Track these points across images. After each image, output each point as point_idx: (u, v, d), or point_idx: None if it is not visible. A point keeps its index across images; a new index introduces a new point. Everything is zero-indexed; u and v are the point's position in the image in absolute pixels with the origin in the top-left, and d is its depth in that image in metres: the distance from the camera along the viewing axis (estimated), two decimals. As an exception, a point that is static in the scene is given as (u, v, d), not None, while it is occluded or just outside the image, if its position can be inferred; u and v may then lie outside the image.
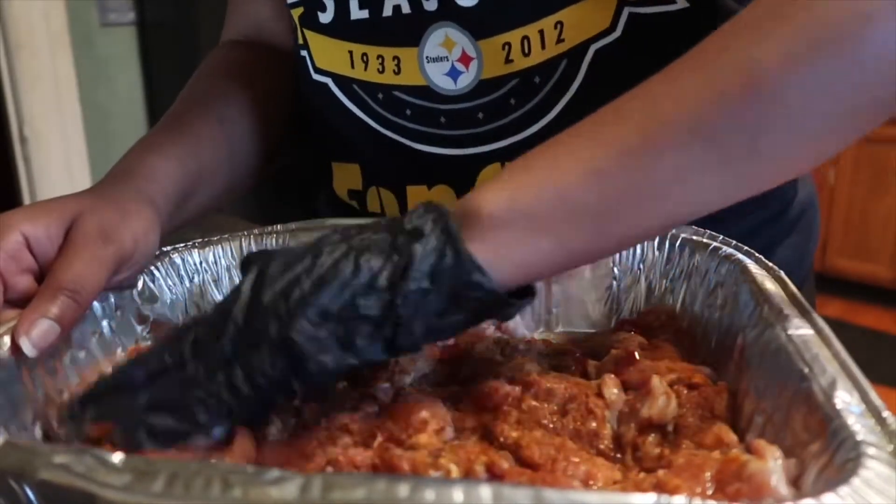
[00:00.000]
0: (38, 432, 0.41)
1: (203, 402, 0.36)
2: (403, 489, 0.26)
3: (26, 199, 2.26)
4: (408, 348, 0.37)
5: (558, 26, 0.53)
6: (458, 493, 0.25)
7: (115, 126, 2.46)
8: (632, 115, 0.37)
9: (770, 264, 0.47)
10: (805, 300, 0.42)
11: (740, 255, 0.48)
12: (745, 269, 0.46)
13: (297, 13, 0.61)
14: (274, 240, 0.59)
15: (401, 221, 0.37)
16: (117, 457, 0.29)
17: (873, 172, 2.66)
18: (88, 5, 2.36)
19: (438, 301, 0.36)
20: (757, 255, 0.48)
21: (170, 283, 0.54)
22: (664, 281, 0.53)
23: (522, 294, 0.39)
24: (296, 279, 0.36)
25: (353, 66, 0.60)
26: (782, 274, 0.45)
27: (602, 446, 0.39)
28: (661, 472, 0.35)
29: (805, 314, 0.40)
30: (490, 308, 0.37)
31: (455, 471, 0.35)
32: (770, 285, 0.44)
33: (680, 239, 0.53)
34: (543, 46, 0.53)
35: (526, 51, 0.54)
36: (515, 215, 0.37)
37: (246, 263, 0.38)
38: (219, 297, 0.57)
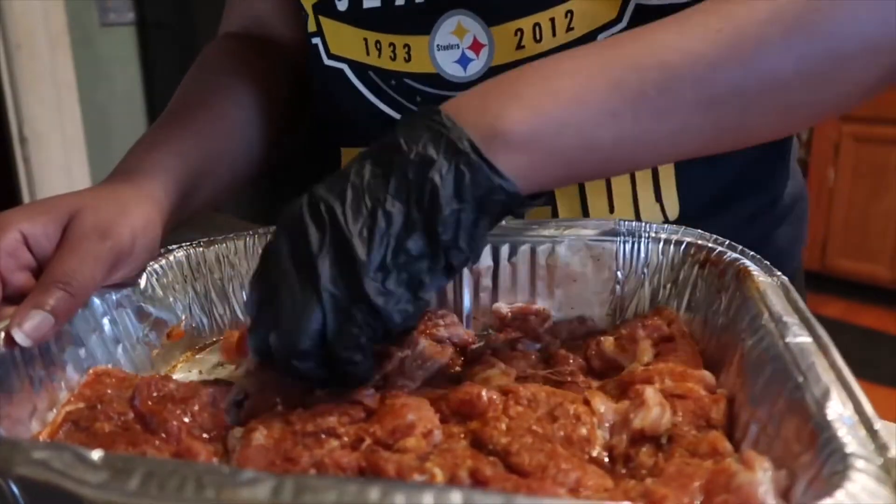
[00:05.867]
0: (34, 427, 0.42)
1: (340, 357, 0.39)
2: (374, 493, 0.25)
3: (26, 199, 2.29)
4: (463, 265, 0.41)
5: (568, 15, 0.54)
6: (427, 499, 0.25)
7: (115, 126, 2.48)
8: (645, 63, 0.41)
9: (775, 271, 0.46)
10: (806, 307, 0.41)
11: (745, 261, 0.47)
12: (748, 275, 0.45)
13: (309, 1, 0.62)
14: (278, 239, 0.59)
15: (400, 151, 0.39)
16: (97, 454, 0.29)
17: (873, 172, 2.63)
18: (88, 5, 2.38)
19: (470, 213, 0.39)
20: (763, 260, 0.47)
21: (173, 281, 0.54)
22: (668, 285, 0.52)
23: (535, 196, 0.42)
24: (341, 243, 0.38)
25: (367, 53, 0.61)
26: (786, 280, 0.44)
27: (595, 453, 0.38)
28: (649, 481, 0.34)
29: (805, 322, 0.39)
30: (511, 208, 0.41)
31: (440, 475, 0.34)
32: (772, 292, 0.43)
33: (685, 243, 0.52)
34: (554, 34, 0.54)
35: (537, 37, 0.54)
36: (536, 143, 0.40)
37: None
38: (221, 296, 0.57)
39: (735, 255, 0.48)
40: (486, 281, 0.56)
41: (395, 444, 0.38)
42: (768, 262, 0.47)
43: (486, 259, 0.55)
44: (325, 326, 0.38)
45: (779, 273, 0.45)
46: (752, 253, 0.48)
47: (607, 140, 0.41)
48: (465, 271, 0.55)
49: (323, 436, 0.39)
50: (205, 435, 0.41)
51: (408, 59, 0.58)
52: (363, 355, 0.39)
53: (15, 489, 0.30)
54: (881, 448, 0.28)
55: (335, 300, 0.38)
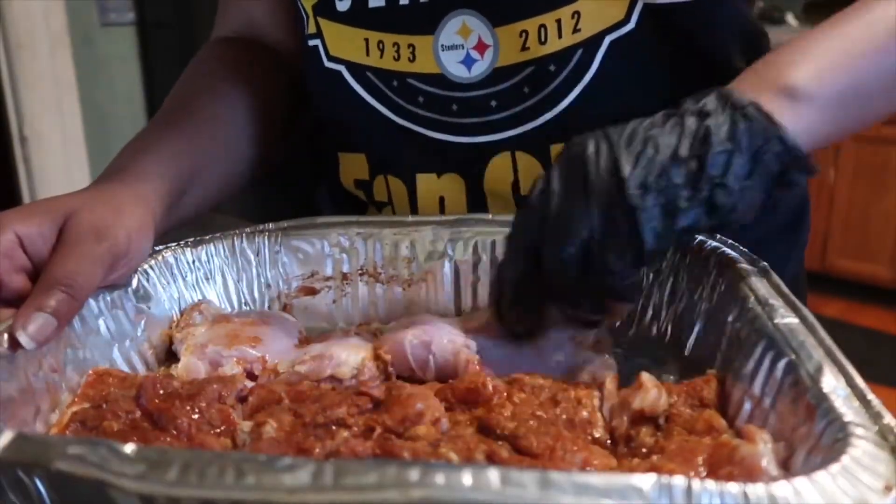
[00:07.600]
0: (38, 429, 0.41)
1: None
2: (414, 473, 0.26)
3: (26, 199, 2.25)
4: (729, 210, 0.42)
5: (575, 16, 0.54)
6: (466, 477, 0.26)
7: (115, 126, 2.45)
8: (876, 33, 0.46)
9: (754, 257, 0.48)
10: (790, 292, 0.43)
11: (725, 249, 0.49)
12: (730, 262, 0.47)
13: (309, 3, 0.62)
14: (266, 238, 0.59)
15: (682, 105, 0.43)
16: (129, 447, 0.29)
17: (873, 172, 2.62)
18: (88, 5, 2.36)
19: (743, 160, 0.41)
20: (742, 248, 0.49)
21: (163, 281, 0.54)
22: (650, 274, 0.54)
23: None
24: (612, 162, 0.42)
25: (368, 54, 0.60)
26: (766, 265, 0.46)
27: (597, 435, 0.40)
28: (654, 458, 0.36)
29: (790, 304, 0.41)
30: (790, 167, 0.42)
31: (456, 459, 0.35)
32: (755, 277, 0.45)
33: (666, 234, 0.54)
34: (560, 35, 0.54)
35: (542, 39, 0.55)
36: (819, 94, 0.44)
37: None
38: (211, 295, 0.57)
39: (715, 243, 0.51)
40: (471, 275, 0.57)
41: (405, 433, 0.39)
42: (747, 250, 0.49)
43: (468, 254, 0.56)
44: (591, 234, 0.41)
45: (758, 259, 0.48)
46: (730, 241, 0.51)
47: (868, 90, 0.46)
48: (453, 265, 0.57)
49: (333, 427, 0.40)
50: (213, 431, 0.41)
51: (412, 60, 0.58)
52: (622, 266, 0.42)
53: (40, 485, 0.30)
54: (875, 416, 0.31)
55: (601, 207, 0.41)
